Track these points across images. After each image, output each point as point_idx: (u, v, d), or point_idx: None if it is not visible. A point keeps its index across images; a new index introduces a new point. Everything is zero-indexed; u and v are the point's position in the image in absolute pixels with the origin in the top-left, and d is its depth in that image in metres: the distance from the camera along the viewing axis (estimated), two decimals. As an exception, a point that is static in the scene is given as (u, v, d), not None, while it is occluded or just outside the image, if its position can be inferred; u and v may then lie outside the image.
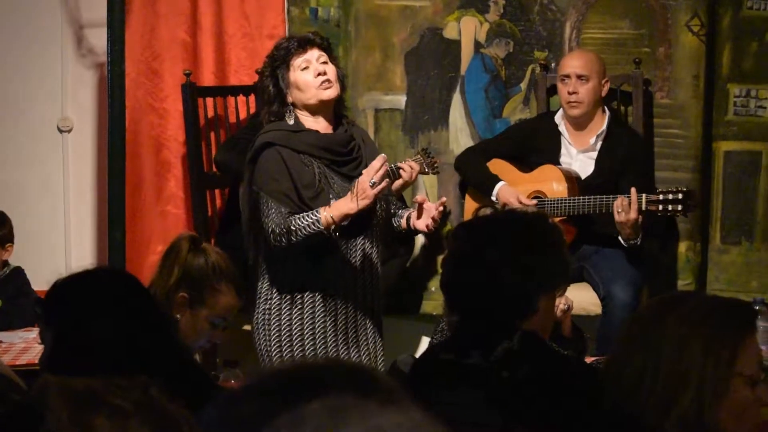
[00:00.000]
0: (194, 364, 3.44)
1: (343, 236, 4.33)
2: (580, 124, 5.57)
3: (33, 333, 4.84)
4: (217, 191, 5.93)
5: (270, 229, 4.26)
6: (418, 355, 3.85)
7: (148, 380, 1.81)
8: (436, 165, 5.60)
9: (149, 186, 6.02)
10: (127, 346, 2.74)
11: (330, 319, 4.42)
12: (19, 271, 5.43)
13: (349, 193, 4.20)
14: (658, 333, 2.30)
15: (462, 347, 2.84)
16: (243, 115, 5.95)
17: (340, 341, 4.45)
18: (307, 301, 4.41)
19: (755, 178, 5.94)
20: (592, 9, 5.97)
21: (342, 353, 4.45)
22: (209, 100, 5.88)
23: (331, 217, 4.20)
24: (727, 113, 5.94)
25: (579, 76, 5.50)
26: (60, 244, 6.42)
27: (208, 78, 6.01)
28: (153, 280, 3.69)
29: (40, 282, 6.14)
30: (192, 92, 5.79)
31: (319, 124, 4.41)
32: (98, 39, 6.14)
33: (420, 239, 6.06)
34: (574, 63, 5.56)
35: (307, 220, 4.22)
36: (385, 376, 1.43)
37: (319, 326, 4.42)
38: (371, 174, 4.15)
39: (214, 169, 5.78)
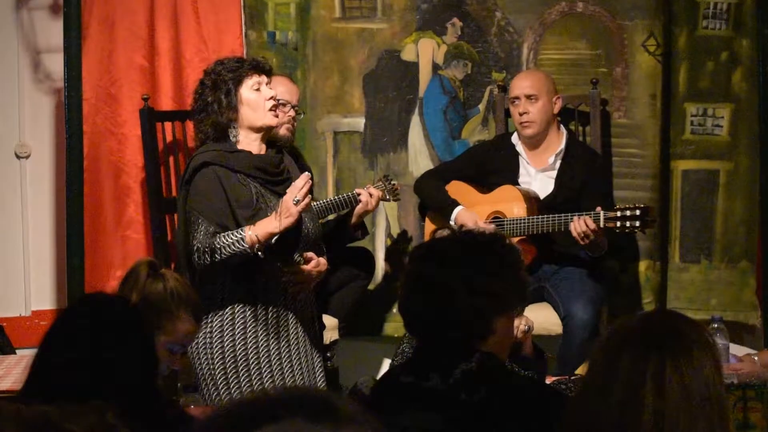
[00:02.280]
0: (158, 391, 3.42)
1: (269, 257, 4.32)
2: (535, 143, 5.58)
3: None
4: (176, 215, 5.90)
5: (195, 247, 4.28)
6: (379, 377, 3.84)
7: (104, 405, 1.80)
8: (397, 192, 5.60)
9: (109, 211, 5.99)
10: (101, 372, 2.72)
11: (273, 339, 4.42)
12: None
13: (273, 212, 4.24)
14: (653, 363, 2.21)
15: (421, 370, 2.84)
16: (202, 139, 5.93)
17: (285, 360, 4.45)
18: (249, 321, 4.40)
19: (713, 196, 5.98)
20: (549, 30, 6.01)
21: (286, 372, 4.44)
22: (168, 125, 5.86)
23: (256, 236, 4.22)
24: (685, 132, 5.98)
25: (528, 96, 5.52)
26: (19, 271, 6.37)
27: (166, 102, 5.99)
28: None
29: (0, 308, 6.13)
30: (150, 117, 5.77)
31: (252, 146, 4.47)
32: (55, 64, 6.11)
33: (381, 261, 6.06)
34: (522, 84, 5.59)
35: (231, 238, 4.24)
36: (345, 401, 1.43)
37: (262, 347, 4.41)
38: (294, 192, 4.20)
39: (174, 194, 5.77)
